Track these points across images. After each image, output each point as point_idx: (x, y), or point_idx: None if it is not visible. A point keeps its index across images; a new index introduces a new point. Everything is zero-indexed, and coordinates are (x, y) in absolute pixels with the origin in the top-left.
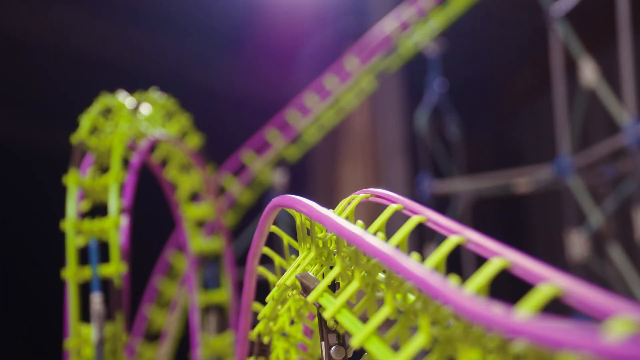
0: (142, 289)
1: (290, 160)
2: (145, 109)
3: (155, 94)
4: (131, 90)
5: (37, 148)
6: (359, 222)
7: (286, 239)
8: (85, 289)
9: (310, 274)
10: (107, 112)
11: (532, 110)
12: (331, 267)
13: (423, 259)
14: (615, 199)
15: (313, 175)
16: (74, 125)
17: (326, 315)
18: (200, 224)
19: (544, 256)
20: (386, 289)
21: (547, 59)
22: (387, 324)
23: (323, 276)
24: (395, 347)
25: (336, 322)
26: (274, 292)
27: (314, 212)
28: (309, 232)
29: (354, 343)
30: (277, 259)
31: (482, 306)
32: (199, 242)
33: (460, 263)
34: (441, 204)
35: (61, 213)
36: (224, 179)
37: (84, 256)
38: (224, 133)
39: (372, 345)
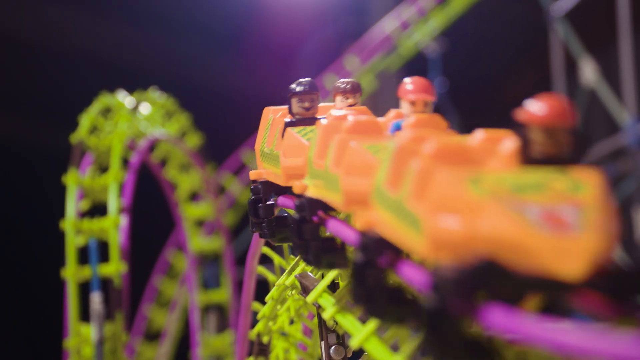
0: (142, 288)
1: None
2: (145, 108)
3: (154, 94)
4: (131, 90)
5: (36, 147)
6: None
7: None
8: (85, 289)
9: (310, 274)
10: (106, 111)
11: None
12: None
13: None
14: (615, 199)
15: None
16: (73, 125)
17: (326, 315)
18: (200, 223)
19: None
20: None
21: (547, 58)
22: None
23: (322, 276)
24: (395, 347)
25: (336, 322)
26: (273, 292)
27: None
28: None
29: (354, 344)
30: (277, 259)
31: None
32: (198, 242)
33: None
34: None
35: (61, 212)
36: (224, 178)
37: (83, 256)
38: (224, 133)
39: (371, 345)
